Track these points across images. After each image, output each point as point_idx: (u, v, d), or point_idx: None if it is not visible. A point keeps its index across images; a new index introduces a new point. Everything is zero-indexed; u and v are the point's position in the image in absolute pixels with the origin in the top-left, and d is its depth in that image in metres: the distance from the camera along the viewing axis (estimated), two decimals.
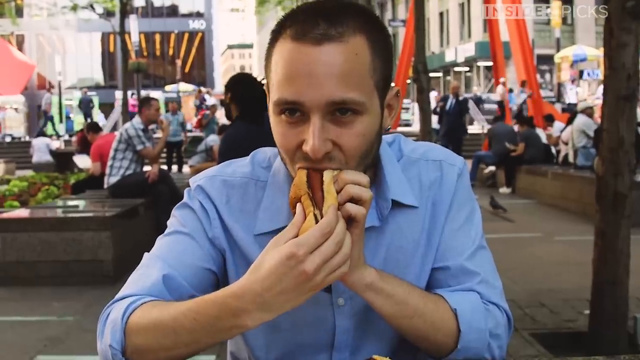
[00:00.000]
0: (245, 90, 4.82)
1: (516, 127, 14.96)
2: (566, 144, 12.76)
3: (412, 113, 28.81)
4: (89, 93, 34.33)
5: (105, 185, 8.12)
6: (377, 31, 1.24)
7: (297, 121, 1.21)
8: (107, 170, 8.04)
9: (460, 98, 16.04)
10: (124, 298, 1.29)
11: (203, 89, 31.89)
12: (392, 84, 1.32)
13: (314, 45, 1.18)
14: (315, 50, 1.18)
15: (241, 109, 4.79)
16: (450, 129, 15.67)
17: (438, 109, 16.10)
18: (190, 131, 23.73)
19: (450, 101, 15.79)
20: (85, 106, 31.41)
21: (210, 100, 26.95)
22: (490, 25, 19.21)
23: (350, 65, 1.18)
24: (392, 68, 1.30)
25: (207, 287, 1.38)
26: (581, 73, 31.10)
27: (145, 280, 1.33)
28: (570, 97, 27.17)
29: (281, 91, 1.21)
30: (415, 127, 23.67)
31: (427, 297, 1.32)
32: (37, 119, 36.44)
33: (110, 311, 1.29)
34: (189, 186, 1.45)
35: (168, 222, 1.43)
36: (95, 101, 35.80)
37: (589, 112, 12.13)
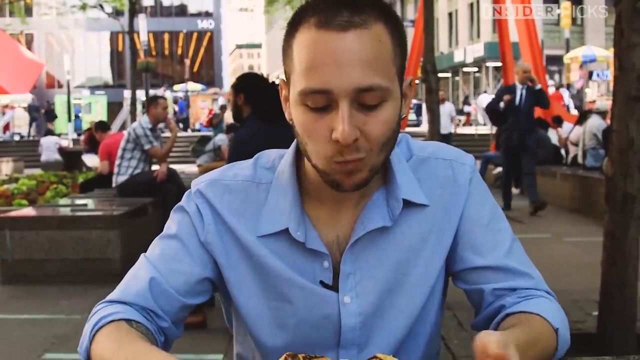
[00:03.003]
0: (260, 91, 4.82)
1: None
2: (575, 145, 12.71)
3: (420, 113, 28.77)
4: (98, 92, 34.48)
5: (114, 184, 8.13)
6: (394, 20, 1.26)
7: (324, 110, 1.21)
8: (116, 170, 8.06)
9: (537, 87, 10.80)
10: (111, 303, 1.36)
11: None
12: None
13: (339, 32, 1.18)
14: (340, 37, 1.18)
15: (256, 109, 4.78)
16: (524, 133, 10.77)
17: (501, 106, 10.96)
18: (199, 130, 23.76)
19: (521, 92, 10.70)
20: (33, 112, 31.52)
21: (221, 100, 27.01)
22: (499, 25, 19.13)
23: (375, 52, 1.19)
24: (407, 57, 1.31)
25: (198, 295, 1.40)
26: (590, 74, 31.00)
27: (134, 285, 1.37)
28: (565, 98, 27.06)
29: (307, 80, 1.20)
30: (424, 127, 23.61)
31: (542, 343, 1.27)
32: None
33: (96, 312, 1.35)
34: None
35: (165, 224, 1.44)
36: (104, 101, 35.87)
37: (604, 113, 12.07)
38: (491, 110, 11.81)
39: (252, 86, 4.87)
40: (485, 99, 29.26)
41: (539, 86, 10.97)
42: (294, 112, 1.26)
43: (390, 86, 1.21)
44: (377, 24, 1.21)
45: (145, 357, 1.15)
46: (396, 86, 1.24)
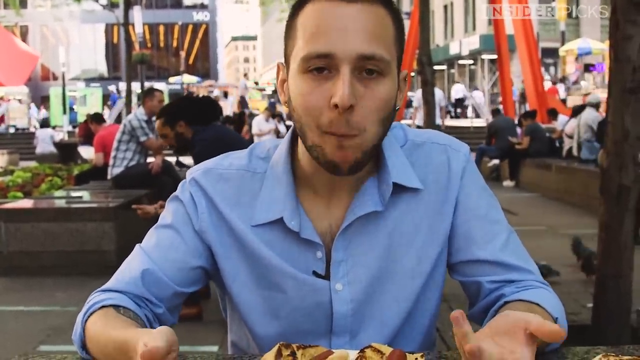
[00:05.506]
0: (194, 107, 5.12)
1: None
2: (570, 137, 12.72)
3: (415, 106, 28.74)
4: (93, 84, 34.29)
5: (109, 176, 8.12)
6: (396, 13, 1.30)
7: (325, 77, 1.23)
8: (111, 161, 8.04)
9: None
10: (104, 291, 1.37)
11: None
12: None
13: (347, 3, 1.22)
14: (348, 7, 1.22)
15: (195, 122, 5.00)
16: None
17: None
18: None
19: None
20: None
21: (216, 92, 26.94)
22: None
23: (380, 27, 1.24)
24: (404, 49, 1.34)
25: (192, 283, 1.41)
26: (586, 67, 30.96)
27: (127, 274, 1.39)
28: (561, 93, 27.03)
29: (312, 44, 1.23)
30: (419, 122, 23.54)
31: None
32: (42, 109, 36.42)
33: (89, 300, 1.37)
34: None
35: (160, 215, 1.45)
36: (99, 93, 35.75)
37: (596, 105, 12.06)
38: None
39: (184, 109, 5.10)
40: (479, 95, 29.22)
41: None
42: (293, 85, 1.27)
43: (390, 61, 1.25)
44: (383, 8, 1.25)
45: (123, 337, 1.16)
46: (395, 66, 1.27)
